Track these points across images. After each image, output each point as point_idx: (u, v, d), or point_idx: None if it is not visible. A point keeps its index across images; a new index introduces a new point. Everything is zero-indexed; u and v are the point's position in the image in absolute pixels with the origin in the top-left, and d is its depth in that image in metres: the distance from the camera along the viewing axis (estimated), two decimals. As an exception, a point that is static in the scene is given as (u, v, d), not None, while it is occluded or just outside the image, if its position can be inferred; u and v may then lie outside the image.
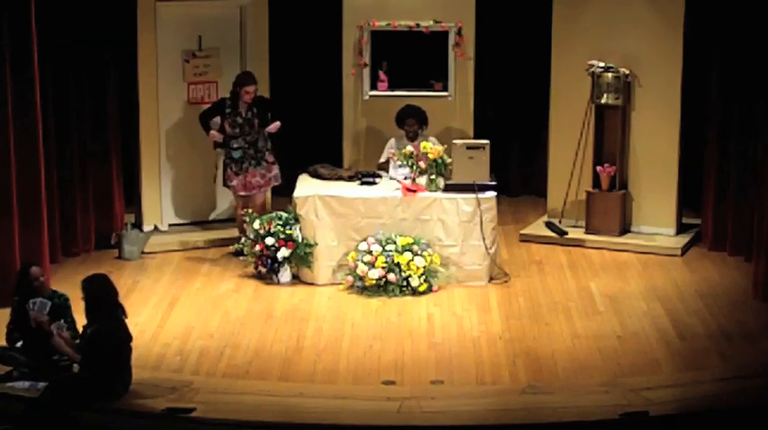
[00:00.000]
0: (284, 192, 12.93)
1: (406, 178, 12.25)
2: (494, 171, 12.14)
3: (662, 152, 13.02)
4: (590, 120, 13.13)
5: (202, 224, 13.64)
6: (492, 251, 12.03)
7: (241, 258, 12.25)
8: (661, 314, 11.22)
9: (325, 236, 12.01)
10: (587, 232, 13.17)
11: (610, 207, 13.08)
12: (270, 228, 11.97)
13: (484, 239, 11.95)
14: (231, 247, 12.58)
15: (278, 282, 12.05)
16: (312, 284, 12.04)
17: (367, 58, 13.57)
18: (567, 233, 13.21)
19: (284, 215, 12.10)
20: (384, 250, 11.77)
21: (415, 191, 12.05)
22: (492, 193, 12.01)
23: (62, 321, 9.61)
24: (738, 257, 12.62)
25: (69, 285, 10.35)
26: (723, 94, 12.71)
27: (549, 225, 13.43)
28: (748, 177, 12.40)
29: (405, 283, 11.76)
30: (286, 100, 13.59)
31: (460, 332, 10.91)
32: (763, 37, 11.89)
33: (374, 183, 12.39)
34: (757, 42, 12.03)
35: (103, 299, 9.32)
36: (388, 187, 12.29)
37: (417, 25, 13.43)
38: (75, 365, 9.45)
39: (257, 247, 12.00)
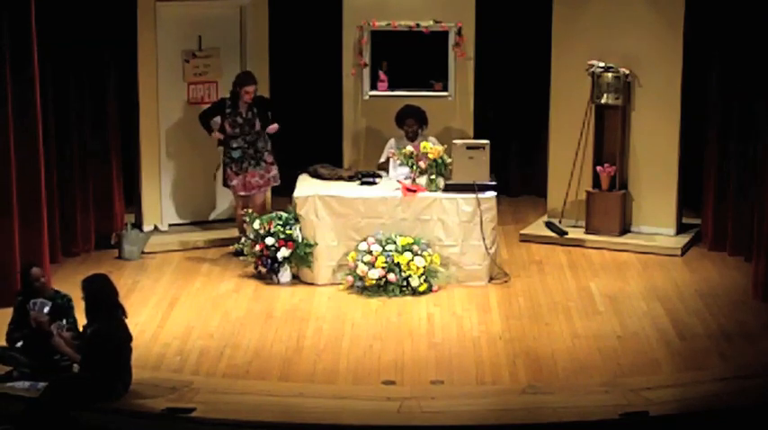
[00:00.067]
0: (284, 192, 12.93)
1: (406, 178, 12.25)
2: (494, 171, 12.14)
3: (662, 152, 13.02)
4: (590, 120, 13.13)
5: (202, 224, 13.64)
6: (492, 251, 12.03)
7: (241, 258, 12.25)
8: (661, 314, 11.22)
9: (325, 236, 12.01)
10: (587, 232, 13.17)
11: (610, 207, 13.08)
12: (270, 228, 11.98)
13: (484, 239, 11.95)
14: (231, 247, 12.59)
15: (278, 282, 12.05)
16: (312, 284, 12.04)
17: (367, 58, 13.57)
18: (567, 233, 13.21)
19: (284, 215, 12.10)
20: (384, 250, 11.78)
21: (415, 191, 12.05)
22: (492, 193, 12.01)
23: (63, 321, 9.61)
24: (738, 257, 12.62)
25: (69, 285, 10.35)
26: (723, 94, 12.71)
27: (549, 225, 13.43)
28: (748, 177, 12.40)
29: (405, 283, 11.76)
30: (286, 100, 13.59)
31: (460, 332, 10.91)
32: (763, 37, 11.89)
33: (374, 183, 12.39)
34: (757, 42, 12.03)
35: (103, 299, 9.32)
36: (388, 187, 12.29)
37: (417, 25, 13.43)
38: (76, 365, 9.46)
39: (257, 247, 12.00)
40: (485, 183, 12.00)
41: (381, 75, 13.62)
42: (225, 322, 11.14)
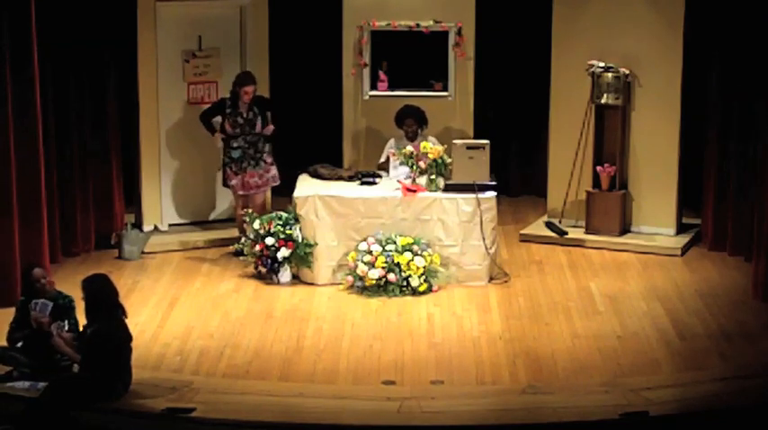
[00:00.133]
0: (284, 192, 12.93)
1: (406, 178, 12.25)
2: (494, 171, 12.14)
3: (662, 152, 13.02)
4: (590, 120, 13.13)
5: (202, 224, 13.64)
6: (492, 251, 12.03)
7: (241, 258, 12.25)
8: (661, 314, 11.22)
9: (326, 236, 12.01)
10: (587, 232, 13.17)
11: (610, 207, 13.08)
12: (270, 228, 11.98)
13: (484, 239, 11.95)
14: (231, 247, 12.58)
15: (278, 282, 12.05)
16: (312, 284, 12.04)
17: (367, 58, 13.57)
18: (567, 233, 13.21)
19: (284, 215, 12.10)
20: (384, 250, 11.78)
21: (415, 191, 12.05)
22: (492, 193, 12.01)
23: (65, 322, 9.61)
24: (738, 257, 12.62)
25: (69, 285, 10.35)
26: (723, 94, 12.71)
27: (549, 225, 13.43)
28: (748, 177, 12.40)
29: (405, 283, 11.76)
30: (286, 100, 13.60)
31: (460, 332, 10.91)
32: (763, 37, 11.89)
33: (374, 183, 12.39)
34: (757, 42, 12.02)
35: (104, 299, 9.32)
36: (388, 187, 12.29)
37: (417, 25, 13.43)
38: (75, 365, 9.46)
39: (257, 247, 12.00)
40: (485, 183, 12.00)
41: (381, 75, 13.63)
42: (225, 322, 11.14)
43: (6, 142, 11.06)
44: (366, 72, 13.62)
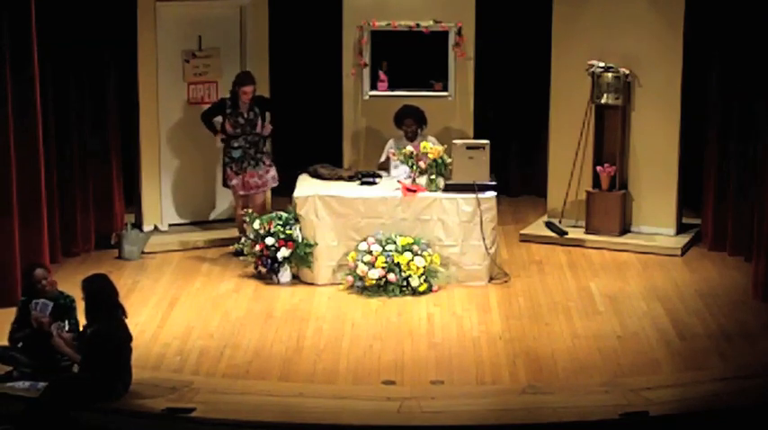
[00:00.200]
0: (284, 192, 12.92)
1: (406, 178, 12.24)
2: (494, 171, 12.14)
3: (662, 152, 13.02)
4: (590, 120, 13.13)
5: (202, 224, 13.64)
6: (492, 251, 12.03)
7: (241, 258, 12.25)
8: (661, 314, 11.22)
9: (326, 236, 12.01)
10: (587, 232, 13.17)
11: (610, 207, 13.08)
12: (270, 228, 11.98)
13: (484, 239, 11.95)
14: (231, 247, 12.58)
15: (278, 282, 12.05)
16: (312, 284, 12.04)
17: (367, 58, 13.57)
18: (567, 233, 13.21)
19: (284, 215, 12.10)
20: (384, 250, 11.77)
21: (415, 191, 12.05)
22: (492, 193, 12.01)
23: (65, 322, 9.61)
24: (738, 257, 12.62)
25: (69, 285, 10.34)
26: (723, 94, 12.71)
27: (549, 225, 13.43)
28: (748, 177, 12.40)
29: (405, 283, 11.76)
30: (286, 100, 13.60)
31: (460, 332, 10.91)
32: (763, 37, 11.89)
33: (374, 183, 12.39)
34: (757, 42, 12.02)
35: (104, 299, 9.32)
36: (388, 187, 12.29)
37: (417, 25, 13.43)
38: (76, 365, 9.46)
39: (257, 247, 12.00)
40: (485, 183, 12.00)
41: (381, 75, 13.63)
42: (225, 322, 11.14)
43: (6, 142, 11.06)
44: (366, 72, 13.62)
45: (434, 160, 12.01)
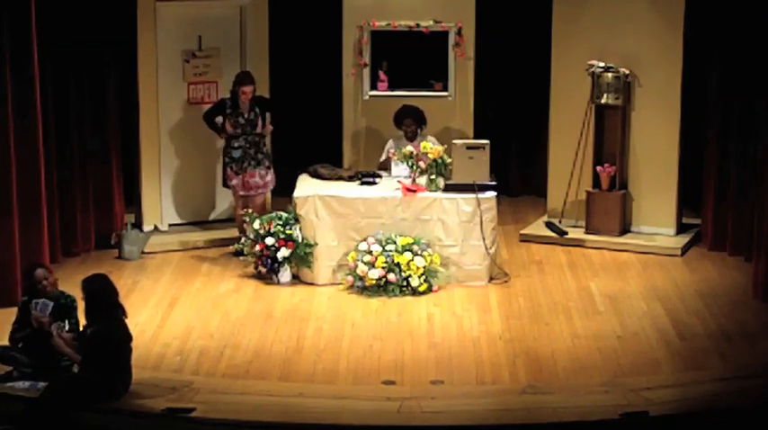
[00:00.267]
0: (284, 192, 12.92)
1: (406, 178, 12.24)
2: (494, 171, 12.14)
3: (662, 152, 13.02)
4: (590, 120, 13.13)
5: (202, 224, 13.64)
6: (492, 251, 12.03)
7: (241, 258, 12.25)
8: (661, 314, 11.22)
9: (326, 236, 12.01)
10: (587, 232, 13.17)
11: (610, 207, 13.08)
12: (270, 228, 11.98)
13: (484, 239, 11.95)
14: (231, 247, 12.58)
15: (278, 282, 12.05)
16: (312, 284, 12.04)
17: (367, 58, 13.58)
18: (567, 233, 13.21)
19: (284, 215, 12.10)
20: (384, 250, 11.77)
21: (415, 191, 12.05)
22: (492, 193, 12.01)
23: (65, 322, 9.61)
24: (738, 257, 12.62)
25: (69, 285, 10.33)
26: (723, 94, 12.71)
27: (549, 225, 13.43)
28: (748, 177, 12.40)
29: (405, 283, 11.76)
30: (286, 100, 13.60)
31: (460, 332, 10.91)
32: (763, 37, 11.89)
33: (374, 183, 12.39)
34: (757, 42, 12.02)
35: (103, 299, 9.32)
36: (388, 187, 12.29)
37: (417, 25, 13.43)
38: (76, 365, 9.45)
39: (257, 247, 12.00)
40: (485, 183, 12.00)
41: (381, 75, 13.63)
42: (225, 322, 11.14)
43: (6, 142, 11.06)
44: (366, 72, 13.62)
45: (434, 160, 12.01)
